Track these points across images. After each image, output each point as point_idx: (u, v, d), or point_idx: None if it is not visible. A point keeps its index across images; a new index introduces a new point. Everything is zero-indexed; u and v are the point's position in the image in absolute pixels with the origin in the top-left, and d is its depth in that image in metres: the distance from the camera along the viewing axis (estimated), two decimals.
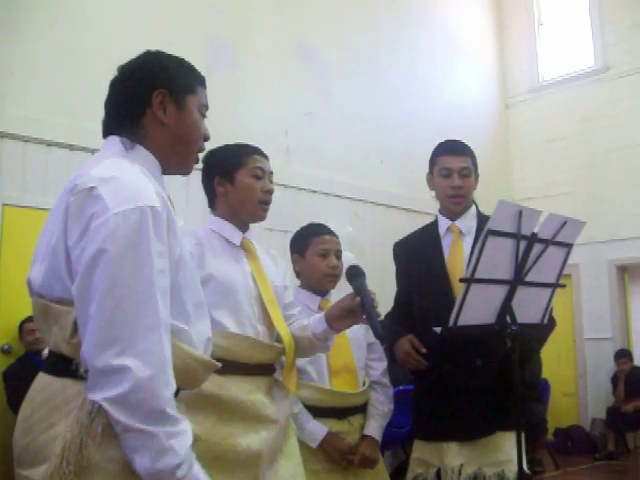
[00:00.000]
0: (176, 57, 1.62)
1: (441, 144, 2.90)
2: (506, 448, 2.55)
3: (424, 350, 2.66)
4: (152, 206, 1.33)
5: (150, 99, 1.51)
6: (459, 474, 2.54)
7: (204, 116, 1.62)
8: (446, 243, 2.80)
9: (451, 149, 2.83)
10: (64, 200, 1.38)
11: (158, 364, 1.29)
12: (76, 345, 1.32)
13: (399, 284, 2.98)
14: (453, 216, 2.83)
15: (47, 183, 4.96)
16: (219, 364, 1.56)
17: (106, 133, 1.55)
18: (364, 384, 2.84)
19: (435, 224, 2.89)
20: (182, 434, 1.31)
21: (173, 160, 1.57)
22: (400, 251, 2.99)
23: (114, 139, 1.51)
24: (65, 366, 1.35)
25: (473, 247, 2.65)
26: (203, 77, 1.64)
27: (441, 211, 2.89)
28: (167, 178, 1.58)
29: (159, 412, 1.27)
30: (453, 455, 2.58)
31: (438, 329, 2.25)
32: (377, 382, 2.91)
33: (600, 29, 8.99)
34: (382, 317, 2.15)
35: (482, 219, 2.79)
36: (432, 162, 2.87)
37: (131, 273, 1.28)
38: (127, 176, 1.37)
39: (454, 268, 2.71)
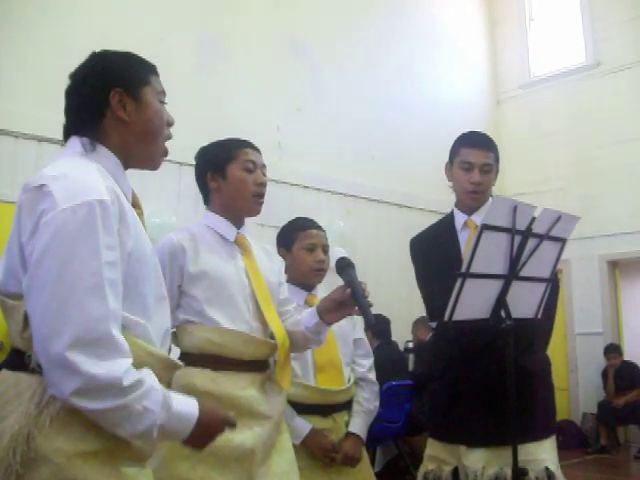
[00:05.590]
0: (122, 52, 1.62)
1: (465, 135, 2.75)
2: (527, 448, 2.40)
3: None
4: (100, 200, 1.34)
5: (107, 101, 1.52)
6: (481, 476, 2.43)
7: (164, 102, 1.62)
8: (463, 238, 2.69)
9: (476, 142, 2.70)
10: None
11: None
12: (28, 339, 1.33)
13: (422, 284, 2.78)
14: (469, 210, 2.71)
15: None
16: (181, 363, 1.58)
17: (67, 136, 1.57)
18: (349, 380, 2.81)
19: (451, 218, 2.77)
20: (151, 390, 1.33)
21: (139, 155, 1.58)
22: (417, 248, 2.84)
23: (74, 140, 1.53)
24: (19, 360, 1.37)
25: None
26: (153, 65, 1.64)
27: (457, 204, 2.77)
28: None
29: (121, 389, 1.28)
30: (473, 457, 2.46)
31: (433, 324, 2.24)
32: (363, 378, 2.89)
33: (591, 24, 9.01)
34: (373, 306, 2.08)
35: None
36: (453, 152, 2.73)
37: (78, 266, 1.29)
38: (78, 173, 1.39)
39: None
